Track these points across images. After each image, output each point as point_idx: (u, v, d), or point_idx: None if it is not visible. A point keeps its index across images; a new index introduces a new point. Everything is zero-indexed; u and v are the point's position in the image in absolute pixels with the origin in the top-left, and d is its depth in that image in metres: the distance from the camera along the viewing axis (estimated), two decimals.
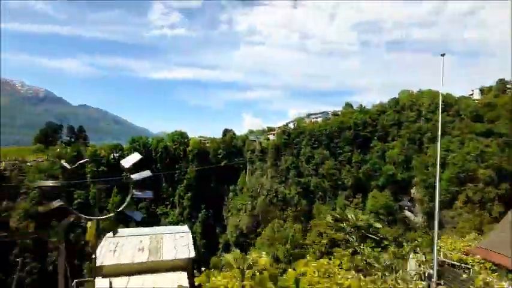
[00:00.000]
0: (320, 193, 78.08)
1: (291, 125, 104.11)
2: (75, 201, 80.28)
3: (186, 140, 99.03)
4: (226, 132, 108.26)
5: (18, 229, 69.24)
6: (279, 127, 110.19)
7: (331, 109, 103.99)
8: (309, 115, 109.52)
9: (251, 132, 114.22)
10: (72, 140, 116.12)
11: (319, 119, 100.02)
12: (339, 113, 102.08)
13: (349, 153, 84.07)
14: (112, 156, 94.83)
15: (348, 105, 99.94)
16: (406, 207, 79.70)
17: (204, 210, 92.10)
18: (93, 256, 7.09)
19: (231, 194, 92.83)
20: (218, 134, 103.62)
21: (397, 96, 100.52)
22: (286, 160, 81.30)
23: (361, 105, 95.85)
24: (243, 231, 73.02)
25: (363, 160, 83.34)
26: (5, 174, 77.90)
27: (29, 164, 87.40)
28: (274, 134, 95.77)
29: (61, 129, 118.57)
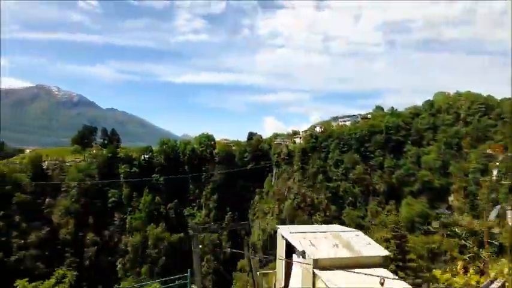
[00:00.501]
0: (350, 198, 75.58)
1: (318, 129, 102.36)
2: (110, 200, 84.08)
3: (212, 143, 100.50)
4: (251, 135, 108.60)
5: (60, 225, 73.63)
6: (305, 130, 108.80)
7: (356, 112, 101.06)
8: (336, 118, 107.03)
9: (276, 135, 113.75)
10: (106, 142, 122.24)
11: (348, 123, 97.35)
12: (369, 116, 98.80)
13: (381, 158, 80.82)
14: (143, 158, 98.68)
15: (379, 108, 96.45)
16: (443, 215, 74.95)
17: (229, 213, 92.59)
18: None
19: (256, 197, 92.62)
20: (239, 137, 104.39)
21: (431, 99, 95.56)
22: (313, 164, 79.74)
23: (392, 107, 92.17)
24: (271, 235, 72.29)
25: (396, 165, 79.75)
26: (48, 173, 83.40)
27: (68, 163, 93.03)
28: (300, 138, 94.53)
29: (95, 131, 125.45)
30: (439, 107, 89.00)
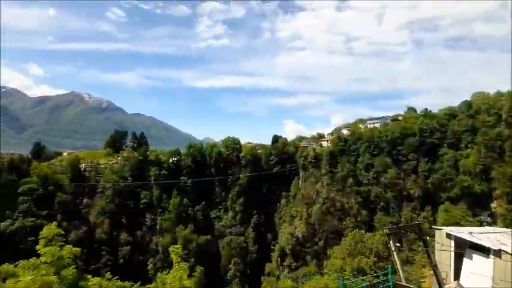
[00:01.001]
0: (382, 203, 72.79)
1: (344, 131, 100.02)
2: (142, 201, 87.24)
3: (238, 146, 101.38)
4: (276, 138, 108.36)
5: (96, 224, 77.45)
6: (331, 133, 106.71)
7: (381, 114, 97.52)
8: (363, 121, 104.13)
9: (300, 138, 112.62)
10: (135, 145, 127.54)
11: (377, 125, 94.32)
12: (399, 118, 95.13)
13: (415, 162, 77.26)
14: (171, 161, 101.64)
15: (411, 109, 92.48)
16: (485, 223, 70.06)
17: (255, 216, 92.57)
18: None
19: (283, 201, 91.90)
20: (259, 140, 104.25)
21: (468, 99, 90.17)
22: (343, 167, 77.83)
23: (426, 109, 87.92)
24: (299, 239, 71.28)
25: (431, 169, 75.85)
26: (85, 174, 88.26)
27: (102, 166, 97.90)
28: (327, 141, 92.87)
29: (126, 135, 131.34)
30: (478, 108, 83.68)
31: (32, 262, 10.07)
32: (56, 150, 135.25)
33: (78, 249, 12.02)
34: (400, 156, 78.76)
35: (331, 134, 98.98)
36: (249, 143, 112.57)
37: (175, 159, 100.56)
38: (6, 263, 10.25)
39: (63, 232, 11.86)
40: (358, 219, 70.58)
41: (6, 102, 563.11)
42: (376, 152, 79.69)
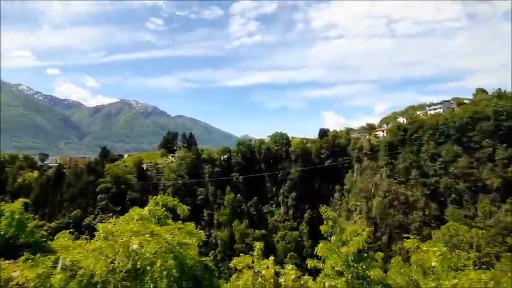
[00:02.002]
0: (453, 196, 66.50)
1: (401, 120, 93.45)
2: (199, 197, 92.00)
3: (287, 141, 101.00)
4: (323, 131, 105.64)
5: None
6: (386, 122, 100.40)
7: (432, 99, 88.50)
8: (423, 107, 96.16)
9: (349, 130, 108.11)
10: (185, 145, 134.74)
11: (439, 110, 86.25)
12: (465, 101, 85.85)
13: (490, 149, 69.01)
14: (222, 158, 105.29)
15: (481, 91, 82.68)
16: None
17: (308, 210, 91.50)
18: None
19: (336, 195, 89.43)
20: (299, 134, 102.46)
21: None
22: (405, 158, 72.79)
23: (499, 89, 77.80)
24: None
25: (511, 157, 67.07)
26: (148, 173, 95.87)
27: (159, 165, 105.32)
28: (383, 131, 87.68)
29: (176, 137, 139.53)
30: None
31: None
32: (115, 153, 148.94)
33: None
34: (471, 144, 71.00)
35: (386, 123, 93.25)
36: (293, 137, 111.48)
37: (226, 156, 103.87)
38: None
39: None
40: (427, 213, 65.53)
41: (69, 113, 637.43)
42: (442, 140, 72.96)
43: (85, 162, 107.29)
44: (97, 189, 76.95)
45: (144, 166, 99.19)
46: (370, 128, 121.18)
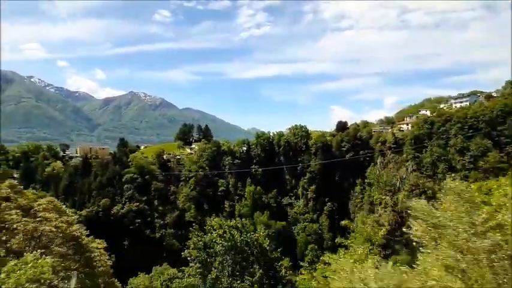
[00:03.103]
0: None
1: (424, 112, 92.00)
2: (220, 189, 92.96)
3: (306, 134, 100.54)
4: (341, 124, 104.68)
5: (184, 209, 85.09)
6: (409, 115, 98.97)
7: (445, 92, 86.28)
8: (446, 99, 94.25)
9: (366, 123, 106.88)
10: (200, 137, 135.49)
11: (465, 103, 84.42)
12: (494, 93, 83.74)
13: None
14: (241, 150, 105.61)
15: (511, 83, 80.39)
16: None
17: (329, 203, 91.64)
18: None
19: (358, 188, 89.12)
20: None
21: None
22: (432, 152, 71.80)
23: None
24: (385, 227, 68.44)
25: None
26: (169, 165, 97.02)
27: (178, 156, 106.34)
28: (407, 124, 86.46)
29: (192, 129, 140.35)
30: None
31: None
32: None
33: None
34: (502, 138, 69.52)
35: (409, 116, 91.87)
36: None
37: (245, 148, 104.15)
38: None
39: None
40: None
41: (80, 105, 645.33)
42: (470, 134, 71.56)
43: (105, 153, 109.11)
44: (123, 179, 78.36)
45: (165, 157, 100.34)
46: (389, 121, 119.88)
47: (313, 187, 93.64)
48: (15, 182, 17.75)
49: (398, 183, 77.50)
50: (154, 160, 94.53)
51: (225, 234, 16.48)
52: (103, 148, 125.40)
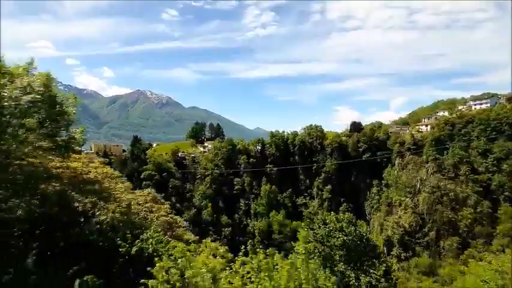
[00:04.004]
0: (506, 193, 64.69)
1: (442, 113, 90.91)
2: (235, 187, 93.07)
3: (322, 134, 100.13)
4: (355, 125, 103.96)
5: (200, 207, 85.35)
6: (428, 117, 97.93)
7: (454, 94, 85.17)
8: (465, 101, 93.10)
9: (380, 124, 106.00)
10: (212, 136, 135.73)
11: (485, 105, 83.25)
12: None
13: None
14: (256, 149, 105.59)
15: None
16: None
17: (344, 204, 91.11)
18: None
19: (374, 189, 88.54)
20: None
21: None
22: (453, 154, 70.98)
23: None
24: (405, 228, 68.04)
25: None
26: (184, 163, 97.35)
27: (193, 155, 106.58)
28: (426, 125, 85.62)
29: (204, 127, 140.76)
30: None
31: None
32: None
33: None
34: None
35: (428, 117, 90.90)
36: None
37: (259, 148, 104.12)
38: None
39: None
40: (478, 210, 64.09)
41: (87, 102, 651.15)
42: (493, 136, 70.60)
43: (118, 150, 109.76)
44: (141, 176, 78.82)
45: (180, 155, 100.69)
46: (403, 122, 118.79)
47: (328, 187, 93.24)
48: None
49: (418, 185, 77.02)
50: (170, 158, 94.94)
51: (345, 229, 16.62)
52: (116, 145, 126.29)
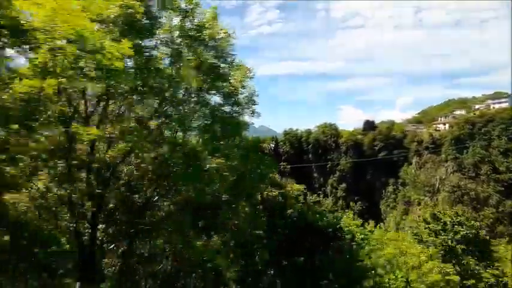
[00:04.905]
0: None
1: (458, 112, 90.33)
2: None
3: (336, 132, 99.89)
4: (368, 123, 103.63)
5: None
6: (445, 115, 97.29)
7: (463, 94, 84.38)
8: (482, 100, 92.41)
9: (393, 123, 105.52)
10: None
11: (505, 104, 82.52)
12: None
13: None
14: (270, 147, 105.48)
15: None
16: None
17: (359, 202, 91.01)
18: None
19: (390, 187, 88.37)
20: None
21: None
22: (474, 153, 70.58)
23: None
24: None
25: None
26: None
27: None
28: (444, 124, 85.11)
29: None
30: None
31: None
32: None
33: None
34: None
35: (444, 115, 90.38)
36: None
37: (273, 145, 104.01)
38: None
39: None
40: (500, 209, 63.80)
41: None
42: None
43: None
44: None
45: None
46: (416, 122, 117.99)
47: (343, 185, 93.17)
48: None
49: (437, 184, 76.64)
50: None
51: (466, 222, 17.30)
52: None
